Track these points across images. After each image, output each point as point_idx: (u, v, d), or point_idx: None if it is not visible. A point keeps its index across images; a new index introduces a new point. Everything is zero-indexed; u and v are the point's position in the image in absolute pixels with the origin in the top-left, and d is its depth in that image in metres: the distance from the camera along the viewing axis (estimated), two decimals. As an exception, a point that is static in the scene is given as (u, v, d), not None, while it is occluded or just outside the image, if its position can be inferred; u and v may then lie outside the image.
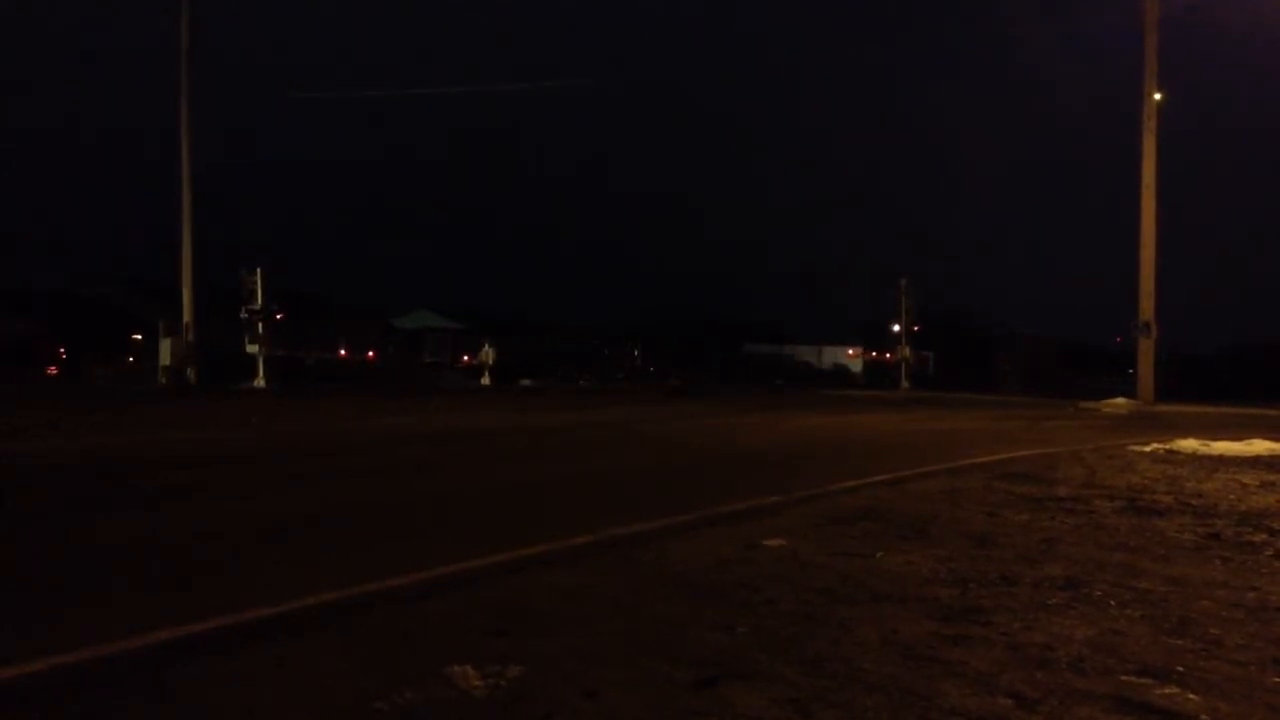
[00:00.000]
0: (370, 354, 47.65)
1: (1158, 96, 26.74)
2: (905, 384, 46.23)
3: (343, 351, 46.08)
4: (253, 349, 29.03)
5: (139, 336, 36.60)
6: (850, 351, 74.79)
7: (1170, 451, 11.85)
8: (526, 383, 38.65)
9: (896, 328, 49.67)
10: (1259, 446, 11.87)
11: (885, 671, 3.37)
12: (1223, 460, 10.99)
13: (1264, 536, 6.12)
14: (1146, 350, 26.91)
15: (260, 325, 28.91)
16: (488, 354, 38.23)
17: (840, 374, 66.87)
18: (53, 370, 34.28)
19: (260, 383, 28.42)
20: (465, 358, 46.88)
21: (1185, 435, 13.24)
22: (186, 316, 30.14)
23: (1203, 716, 3.03)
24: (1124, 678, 3.35)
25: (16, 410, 15.63)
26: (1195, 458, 11.25)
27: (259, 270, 29.05)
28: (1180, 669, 3.45)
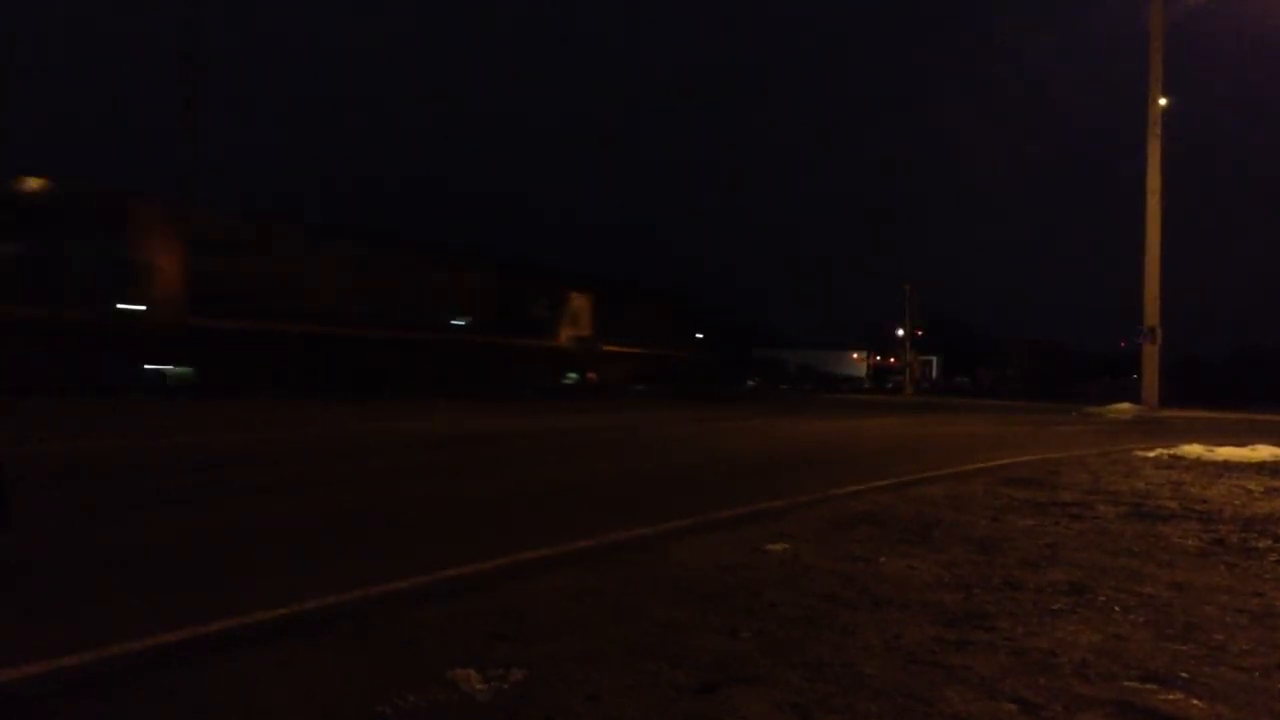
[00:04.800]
0: None
1: (1163, 102, 26.77)
2: (909, 388, 46.26)
3: None
4: None
5: None
6: (854, 356, 74.87)
7: (1175, 457, 11.83)
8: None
9: (900, 333, 49.67)
10: (1264, 452, 11.84)
11: (888, 676, 3.37)
12: (1227, 466, 10.97)
13: (1268, 542, 6.11)
14: (1151, 355, 26.88)
15: None
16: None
17: (844, 378, 66.84)
18: None
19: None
20: None
21: (1190, 441, 13.21)
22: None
23: (1206, 722, 3.02)
24: (1128, 683, 3.34)
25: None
26: (1200, 463, 11.23)
27: None
28: (1184, 675, 3.44)
